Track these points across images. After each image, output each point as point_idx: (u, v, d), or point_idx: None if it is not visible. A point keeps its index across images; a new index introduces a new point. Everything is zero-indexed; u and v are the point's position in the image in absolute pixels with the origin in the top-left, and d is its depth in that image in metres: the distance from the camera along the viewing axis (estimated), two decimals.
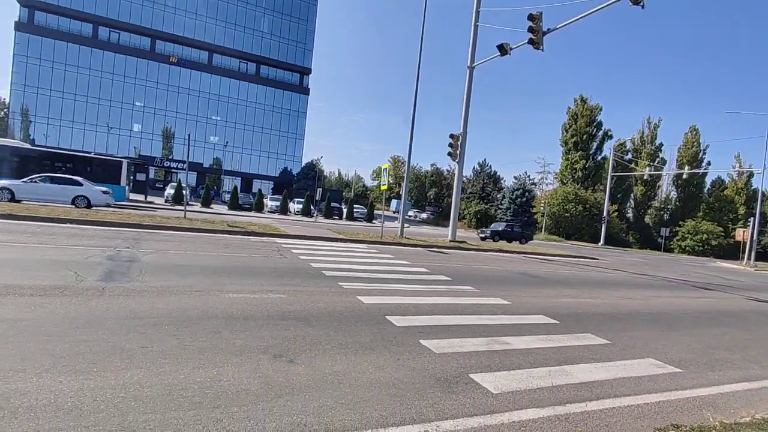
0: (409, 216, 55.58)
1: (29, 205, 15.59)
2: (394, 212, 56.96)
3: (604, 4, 13.27)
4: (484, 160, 72.55)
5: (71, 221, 12.57)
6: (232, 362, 3.77)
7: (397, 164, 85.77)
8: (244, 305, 5.66)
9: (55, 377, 3.14)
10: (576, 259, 20.61)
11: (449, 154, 19.23)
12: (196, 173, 60.36)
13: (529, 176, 65.34)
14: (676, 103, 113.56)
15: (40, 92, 56.11)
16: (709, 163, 56.52)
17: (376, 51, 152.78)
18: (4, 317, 4.30)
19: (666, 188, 61.93)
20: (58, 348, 3.68)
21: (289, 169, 71.31)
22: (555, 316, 6.96)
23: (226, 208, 34.38)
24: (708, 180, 59.23)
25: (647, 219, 58.15)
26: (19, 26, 55.05)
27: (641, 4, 11.40)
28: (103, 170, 22.97)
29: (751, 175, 55.65)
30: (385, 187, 19.76)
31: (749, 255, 33.36)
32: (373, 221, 37.12)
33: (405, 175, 22.59)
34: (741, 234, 35.30)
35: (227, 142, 65.25)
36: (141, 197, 32.20)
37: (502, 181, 67.45)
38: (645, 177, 50.48)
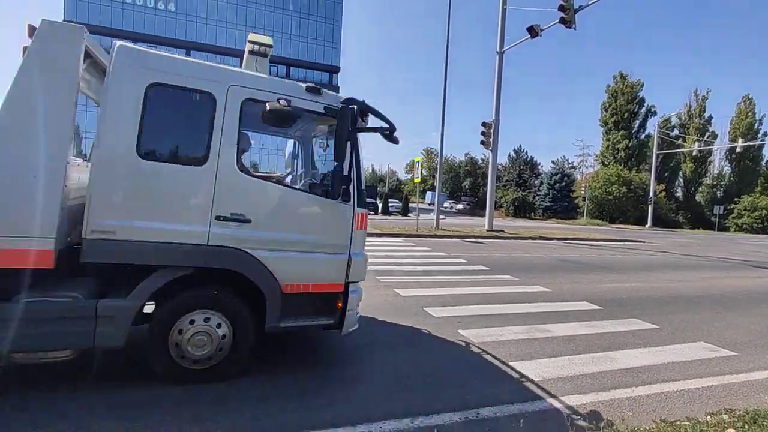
0: (445, 207, 55.16)
1: None
2: (429, 204, 56.67)
3: None
4: (520, 146, 70.66)
5: None
6: (282, 357, 3.95)
7: (430, 156, 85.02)
8: None
9: None
10: (620, 242, 19.84)
11: (482, 142, 18.92)
12: None
13: (567, 160, 63.21)
14: (725, 73, 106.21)
15: (89, 109, 59.32)
16: (766, 134, 52.61)
17: (403, 43, 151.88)
18: None
19: (718, 164, 58.14)
20: None
21: None
22: (598, 302, 6.79)
23: None
24: (766, 152, 55.18)
25: (698, 197, 54.92)
26: None
27: None
28: None
29: None
30: (419, 180, 19.74)
31: None
32: (409, 214, 37.11)
33: (438, 166, 22.46)
34: None
35: (263, 144, 67.08)
36: None
37: (539, 167, 65.53)
38: (694, 153, 47.54)
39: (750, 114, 52.18)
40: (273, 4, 67.75)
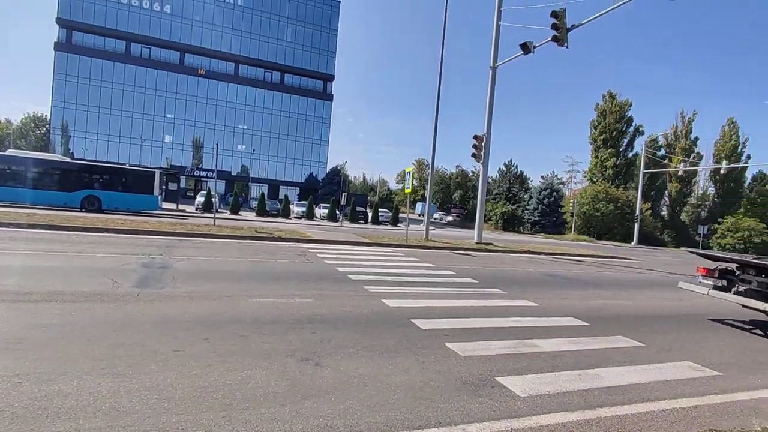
0: (435, 218, 55.29)
1: (70, 215, 16.35)
2: (419, 215, 56.78)
3: None
4: (510, 160, 71.61)
5: (107, 230, 13.12)
6: (260, 365, 3.86)
7: (421, 167, 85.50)
8: (272, 309, 5.77)
9: (95, 379, 3.30)
10: (607, 259, 20.01)
11: (473, 155, 19.05)
12: (224, 181, 61.98)
13: (556, 175, 64.14)
14: (711, 95, 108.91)
15: (78, 108, 58.82)
16: (749, 157, 53.83)
17: (398, 53, 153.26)
18: (49, 322, 4.53)
19: (703, 184, 59.42)
20: (97, 351, 3.86)
21: (314, 175, 72.23)
22: (585, 318, 6.79)
23: (254, 214, 35.09)
24: (749, 174, 56.53)
25: (683, 217, 55.89)
26: (58, 46, 57.93)
27: None
28: (137, 181, 23.89)
29: None
30: (409, 190, 19.75)
31: None
32: (399, 224, 37.14)
33: (429, 177, 22.53)
34: None
35: (254, 150, 66.68)
36: (173, 206, 33.28)
37: (528, 182, 66.29)
38: (680, 173, 48.49)
39: (734, 137, 53.48)
40: (270, 11, 67.97)
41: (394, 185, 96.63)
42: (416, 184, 76.60)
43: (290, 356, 4.14)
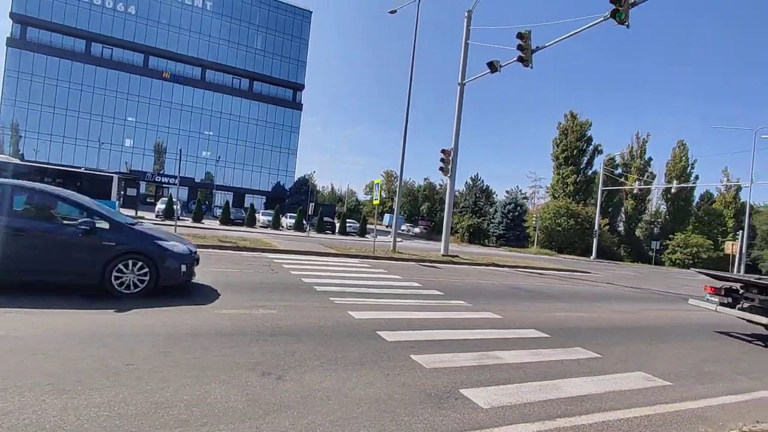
0: (402, 230, 55.58)
1: None
2: (386, 227, 56.97)
3: (589, 24, 13.61)
4: (477, 174, 73.22)
5: None
6: (219, 379, 3.73)
7: (389, 179, 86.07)
8: (234, 321, 5.61)
9: (39, 396, 3.09)
10: (568, 272, 20.69)
11: (441, 169, 19.38)
12: (187, 188, 60.16)
13: (520, 190, 65.87)
14: (664, 117, 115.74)
15: (31, 107, 55.85)
16: (697, 178, 57.42)
17: (369, 66, 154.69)
18: None
19: (656, 202, 62.75)
20: (43, 365, 3.63)
21: (281, 184, 71.31)
22: (546, 330, 6.97)
23: (218, 222, 34.17)
24: (697, 194, 60.19)
25: (638, 232, 58.68)
26: (10, 42, 55.02)
27: (626, 24, 11.71)
28: (93, 185, 22.81)
29: (739, 188, 56.64)
30: (378, 202, 19.82)
31: (738, 268, 33.74)
32: (366, 236, 37.13)
33: (397, 189, 22.71)
34: (730, 247, 35.71)
35: (219, 156, 65.19)
36: (131, 212, 31.96)
37: (494, 196, 67.92)
38: (635, 191, 51.02)
39: (683, 158, 56.89)
40: (239, 17, 67.23)
41: (362, 196, 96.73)
42: (384, 196, 76.99)
43: (252, 370, 4.03)
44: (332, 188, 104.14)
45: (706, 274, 9.60)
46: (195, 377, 3.71)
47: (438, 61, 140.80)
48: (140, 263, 6.40)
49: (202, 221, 32.93)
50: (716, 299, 8.68)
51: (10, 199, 5.90)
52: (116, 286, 6.26)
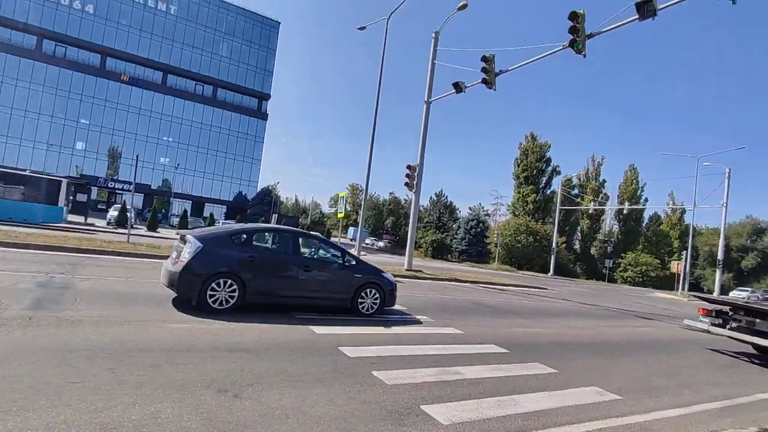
0: (366, 244, 55.53)
1: None
2: (350, 240, 56.74)
3: (549, 53, 14.31)
4: (441, 190, 74.33)
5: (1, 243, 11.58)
6: (172, 398, 3.55)
7: (355, 192, 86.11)
8: (189, 336, 5.39)
9: None
10: (527, 289, 21.26)
11: (406, 184, 19.59)
12: (143, 195, 57.70)
13: (483, 207, 67.55)
14: (618, 142, 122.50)
15: None
16: (647, 200, 60.96)
17: (338, 78, 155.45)
18: None
19: (609, 222, 65.88)
20: None
21: (243, 194, 69.79)
22: (506, 346, 7.10)
23: (175, 232, 32.94)
24: (646, 215, 63.85)
25: (593, 251, 61.30)
26: None
27: (583, 54, 12.40)
28: (38, 189, 21.47)
29: (683, 211, 60.52)
30: (342, 215, 19.75)
31: (683, 286, 35.74)
32: None
33: (362, 203, 22.73)
34: (675, 266, 37.78)
35: (179, 164, 63.03)
36: (81, 219, 30.26)
37: (457, 212, 69.22)
38: (590, 211, 53.58)
39: (634, 181, 60.28)
40: (205, 24, 66.11)
41: (326, 208, 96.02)
42: (349, 209, 76.80)
43: (207, 387, 3.86)
44: (296, 200, 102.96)
45: (700, 298, 10.62)
46: (145, 395, 3.52)
47: (407, 76, 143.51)
48: (374, 291, 8.26)
49: (158, 230, 31.63)
50: (708, 320, 9.54)
51: (297, 244, 7.87)
52: (360, 309, 8.09)
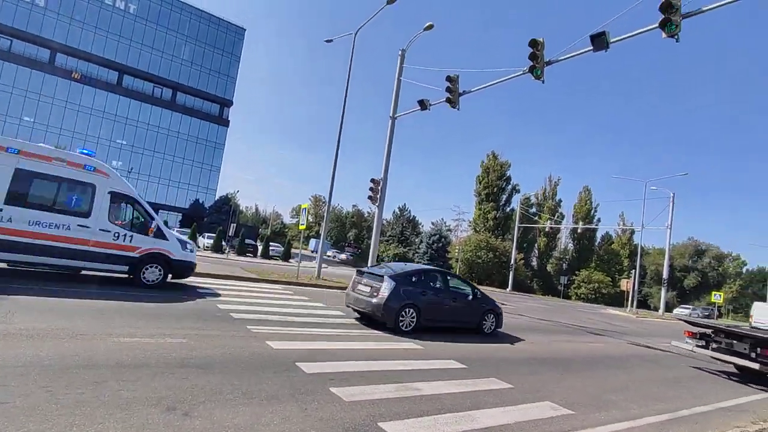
0: (328, 256, 54.93)
1: None
2: (312, 252, 56.02)
3: (510, 77, 14.82)
4: (404, 204, 75.06)
5: None
6: (116, 417, 3.33)
7: (318, 203, 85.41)
8: (137, 351, 5.09)
9: None
10: None
11: (370, 197, 19.60)
12: None
13: (445, 223, 68.59)
14: (574, 163, 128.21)
15: None
16: (599, 220, 63.97)
17: (304, 89, 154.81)
18: None
19: (564, 240, 68.47)
20: None
21: (201, 202, 67.49)
22: (464, 361, 7.17)
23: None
24: (599, 235, 66.93)
25: (549, 267, 63.44)
26: None
27: (542, 80, 12.97)
28: None
29: (632, 232, 63.88)
30: (304, 227, 19.46)
31: (631, 303, 37.50)
32: (290, 260, 36.06)
33: (325, 215, 22.53)
34: (625, 284, 39.62)
35: (132, 168, 60.25)
36: None
37: (420, 226, 69.99)
38: (547, 229, 55.47)
39: (588, 202, 63.17)
40: (166, 25, 64.20)
41: (288, 219, 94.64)
42: (311, 221, 76.01)
43: (154, 406, 3.65)
44: (257, 209, 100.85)
45: (686, 321, 11.63)
46: (85, 415, 3.27)
47: (374, 90, 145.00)
48: (492, 316, 10.87)
49: None
50: (693, 342, 10.39)
51: (447, 281, 10.46)
52: (483, 330, 10.63)
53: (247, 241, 36.58)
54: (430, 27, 17.81)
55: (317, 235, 65.94)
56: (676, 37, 9.54)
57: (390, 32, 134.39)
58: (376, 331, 8.76)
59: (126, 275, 9.78)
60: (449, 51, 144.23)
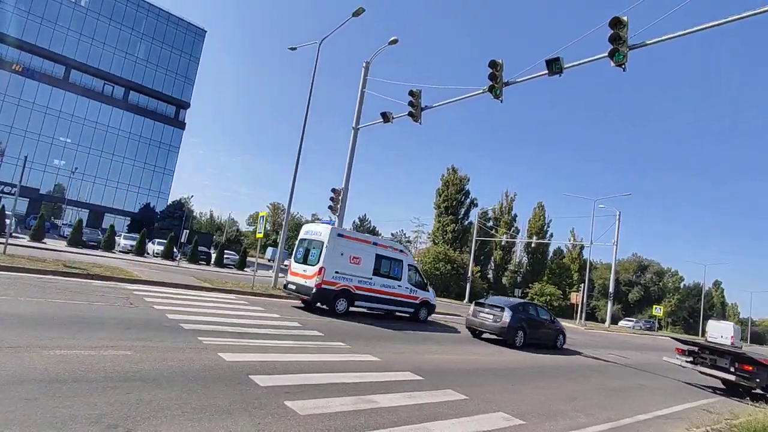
0: (286, 265, 53.80)
1: None
2: (269, 260, 54.67)
3: (470, 95, 15.26)
4: (365, 215, 75.10)
5: None
6: None
7: (276, 211, 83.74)
8: (75, 365, 4.75)
9: None
10: (443, 315, 21.89)
11: (330, 207, 19.46)
12: (28, 200, 50.82)
13: (405, 234, 69.15)
14: (529, 180, 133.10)
15: None
16: (551, 235, 66.54)
17: (265, 95, 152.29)
18: None
19: (519, 254, 70.65)
20: None
21: (152, 206, 64.44)
22: (420, 373, 7.20)
23: (65, 243, 29.27)
24: (551, 249, 69.61)
25: (504, 280, 65.19)
26: None
27: (500, 99, 13.47)
28: None
29: (582, 247, 66.90)
30: (261, 235, 19.05)
31: (580, 315, 39.11)
32: (246, 269, 34.98)
33: (284, 223, 22.12)
34: (575, 297, 41.30)
35: (76, 168, 56.59)
36: None
37: (380, 237, 70.15)
38: (503, 243, 57.16)
39: (542, 217, 65.67)
40: (121, 21, 61.49)
41: (244, 226, 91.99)
42: (269, 229, 74.36)
43: (94, 423, 3.41)
44: (211, 215, 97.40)
45: (676, 339, 12.84)
46: None
47: (337, 100, 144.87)
48: (561, 336, 15.24)
49: (44, 241, 27.90)
50: (682, 358, 11.31)
51: (538, 311, 14.94)
52: (557, 347, 14.84)
53: (201, 248, 35.17)
54: (395, 41, 18.12)
55: (275, 244, 64.49)
56: (623, 66, 10.19)
57: (355, 44, 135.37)
58: (334, 343, 8.64)
59: (407, 315, 15.33)
60: (415, 63, 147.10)
